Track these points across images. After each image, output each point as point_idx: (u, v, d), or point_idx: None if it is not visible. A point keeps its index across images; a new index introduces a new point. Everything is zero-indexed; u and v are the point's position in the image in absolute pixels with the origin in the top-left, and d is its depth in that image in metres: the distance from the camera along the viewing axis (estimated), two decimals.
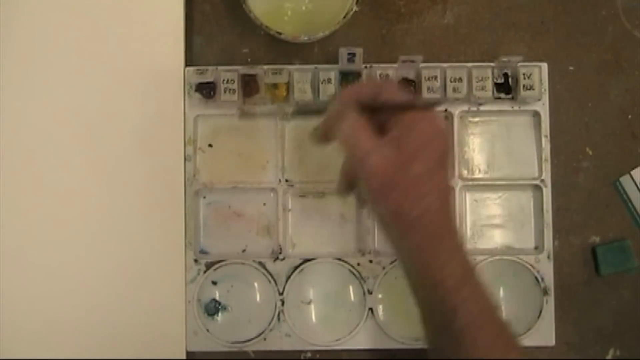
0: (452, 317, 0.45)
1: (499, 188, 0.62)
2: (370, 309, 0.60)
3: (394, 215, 0.46)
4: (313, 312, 0.61)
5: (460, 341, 0.45)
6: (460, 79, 0.59)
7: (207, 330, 0.60)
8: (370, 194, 0.47)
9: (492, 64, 0.60)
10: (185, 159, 0.61)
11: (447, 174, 0.47)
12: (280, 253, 0.61)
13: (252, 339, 0.60)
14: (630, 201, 0.62)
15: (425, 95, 0.59)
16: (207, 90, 0.60)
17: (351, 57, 0.58)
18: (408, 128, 0.46)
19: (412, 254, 0.47)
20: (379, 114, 0.48)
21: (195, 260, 0.61)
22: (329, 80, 0.60)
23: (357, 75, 0.60)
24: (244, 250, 0.62)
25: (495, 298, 0.49)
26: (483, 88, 0.59)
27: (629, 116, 0.63)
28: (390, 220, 0.47)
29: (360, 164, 0.46)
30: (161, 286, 0.60)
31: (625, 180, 0.62)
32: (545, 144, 0.62)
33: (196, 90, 0.60)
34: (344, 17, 0.58)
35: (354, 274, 0.61)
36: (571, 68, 0.63)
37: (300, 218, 0.62)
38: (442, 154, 0.47)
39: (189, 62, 0.62)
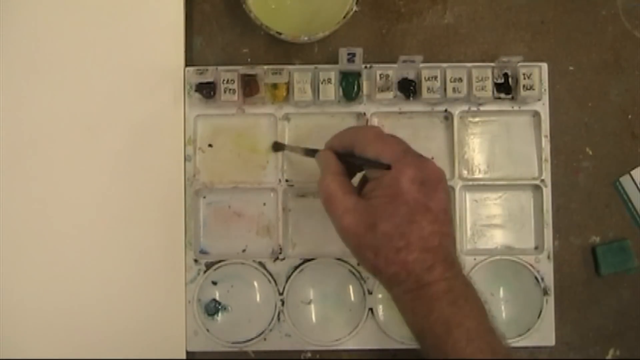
0: None
1: (499, 188, 0.62)
2: (370, 309, 0.60)
3: (373, 272, 0.49)
4: (313, 312, 0.61)
5: None
6: (460, 79, 0.59)
7: (207, 330, 0.60)
8: (351, 252, 0.49)
9: (492, 64, 0.60)
10: (185, 159, 0.61)
11: (431, 220, 0.47)
12: (280, 253, 0.61)
13: (252, 339, 0.60)
14: (630, 201, 0.62)
15: (425, 95, 0.59)
16: (207, 90, 0.60)
17: (351, 57, 0.58)
18: (375, 185, 0.48)
19: (398, 304, 0.49)
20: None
21: (195, 260, 0.61)
22: (329, 80, 0.60)
23: (357, 75, 0.60)
24: (244, 250, 0.62)
25: (493, 316, 0.49)
26: (483, 88, 0.59)
27: (629, 116, 0.63)
28: (372, 275, 0.49)
29: (336, 226, 0.49)
30: (161, 286, 0.60)
31: (625, 180, 0.62)
32: (545, 144, 0.61)
33: (196, 90, 0.60)
34: (344, 17, 0.58)
35: (354, 274, 0.61)
36: (571, 68, 0.63)
37: (300, 218, 0.62)
38: (414, 205, 0.47)
39: (189, 62, 0.62)
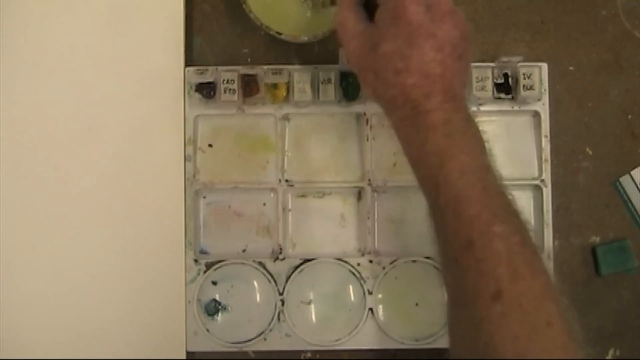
0: (437, 192, 0.45)
1: None
2: (370, 309, 0.60)
3: (374, 95, 0.48)
4: (313, 312, 0.61)
5: (445, 216, 0.45)
6: None
7: (207, 330, 0.60)
8: (358, 78, 0.49)
9: (492, 64, 0.60)
10: (185, 159, 0.61)
11: (434, 46, 0.45)
12: (280, 253, 0.61)
13: (252, 339, 0.60)
14: (630, 201, 0.62)
15: None
16: (207, 90, 0.60)
17: None
18: (382, 7, 0.47)
19: (395, 130, 0.48)
20: None
21: (195, 260, 0.61)
22: (329, 80, 0.60)
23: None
24: (244, 250, 0.62)
25: (491, 158, 0.48)
26: (483, 88, 0.59)
27: (629, 116, 0.63)
28: (374, 100, 0.49)
29: (345, 49, 0.49)
30: (161, 286, 0.60)
31: (625, 180, 0.62)
32: (545, 144, 0.61)
33: (196, 90, 0.60)
34: None
35: (354, 274, 0.61)
36: (571, 68, 0.63)
37: (300, 218, 0.62)
38: (417, 27, 0.45)
39: (189, 62, 0.62)
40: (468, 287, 0.43)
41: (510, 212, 0.45)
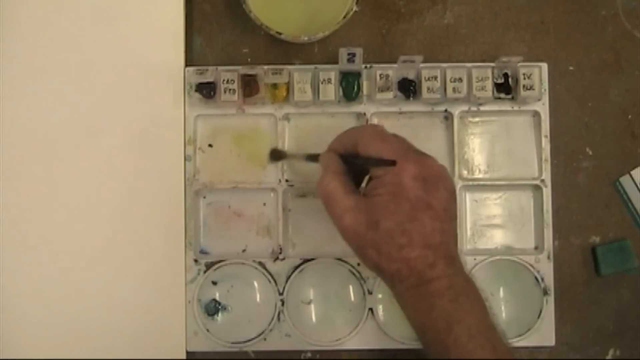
0: (446, 355, 0.46)
1: (499, 188, 0.62)
2: (370, 309, 0.60)
3: (375, 270, 0.49)
4: (313, 312, 0.61)
5: None
6: (460, 79, 0.59)
7: (207, 330, 0.60)
8: (353, 251, 0.49)
9: (492, 64, 0.60)
10: (185, 159, 0.61)
11: (432, 217, 0.47)
12: (280, 253, 0.61)
13: (252, 339, 0.60)
14: (630, 201, 0.62)
15: (425, 95, 0.59)
16: (207, 90, 0.60)
17: (351, 57, 0.58)
18: (377, 183, 0.48)
19: (399, 300, 0.49)
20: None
21: (195, 260, 0.61)
22: (329, 80, 0.60)
23: (357, 75, 0.60)
24: (244, 250, 0.62)
25: (494, 314, 0.49)
26: (483, 88, 0.59)
27: (629, 116, 0.63)
28: (374, 273, 0.49)
29: (337, 225, 0.49)
30: (161, 286, 0.60)
31: (625, 180, 0.62)
32: (545, 144, 0.62)
33: (196, 90, 0.60)
34: (344, 17, 0.58)
35: (354, 274, 0.61)
36: (571, 68, 0.63)
37: (300, 218, 0.62)
38: (415, 202, 0.47)
39: (189, 62, 0.62)
40: None
41: (510, 356, 0.47)
